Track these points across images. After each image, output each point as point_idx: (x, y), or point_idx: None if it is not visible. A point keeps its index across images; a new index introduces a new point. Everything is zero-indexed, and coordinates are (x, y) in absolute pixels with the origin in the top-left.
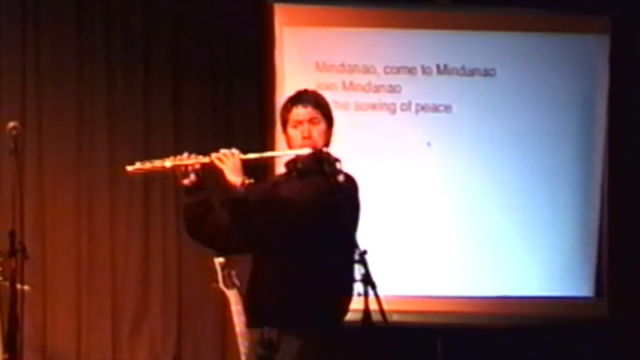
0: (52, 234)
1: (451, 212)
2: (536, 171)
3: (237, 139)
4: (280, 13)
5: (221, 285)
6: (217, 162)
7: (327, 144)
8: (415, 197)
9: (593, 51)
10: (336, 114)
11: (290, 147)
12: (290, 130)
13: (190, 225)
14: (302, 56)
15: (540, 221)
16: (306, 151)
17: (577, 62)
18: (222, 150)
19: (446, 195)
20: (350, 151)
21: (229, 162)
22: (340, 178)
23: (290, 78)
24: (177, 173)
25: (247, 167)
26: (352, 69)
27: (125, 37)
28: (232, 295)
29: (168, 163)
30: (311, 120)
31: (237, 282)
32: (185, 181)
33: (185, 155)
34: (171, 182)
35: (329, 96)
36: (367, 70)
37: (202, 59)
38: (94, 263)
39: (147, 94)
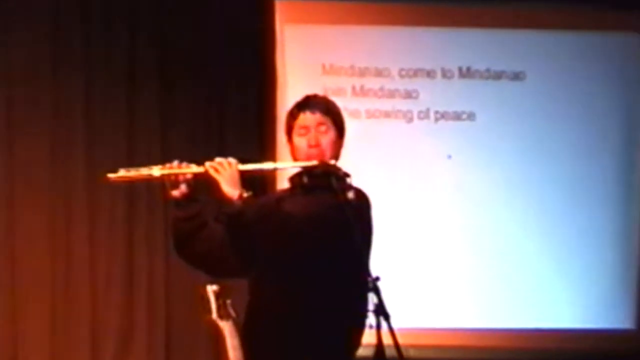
0: (23, 257)
1: (473, 233)
2: (569, 189)
3: (233, 149)
4: (281, 9)
5: (215, 316)
6: (212, 172)
7: (336, 156)
8: (433, 216)
9: (635, 51)
10: (345, 122)
11: (295, 158)
12: (296, 139)
13: (179, 243)
14: (306, 57)
15: (573, 246)
16: (312, 163)
17: (617, 64)
18: (218, 159)
19: (467, 214)
20: (361, 164)
21: (226, 173)
22: (350, 195)
23: (293, 82)
24: (166, 183)
25: (246, 180)
26: (363, 72)
27: (106, 29)
28: (227, 327)
29: (156, 171)
30: (319, 127)
31: (232, 312)
32: (175, 192)
33: (175, 163)
34: (159, 194)
35: (337, 103)
36: (379, 73)
37: (196, 59)
38: (70, 290)
39: (130, 98)
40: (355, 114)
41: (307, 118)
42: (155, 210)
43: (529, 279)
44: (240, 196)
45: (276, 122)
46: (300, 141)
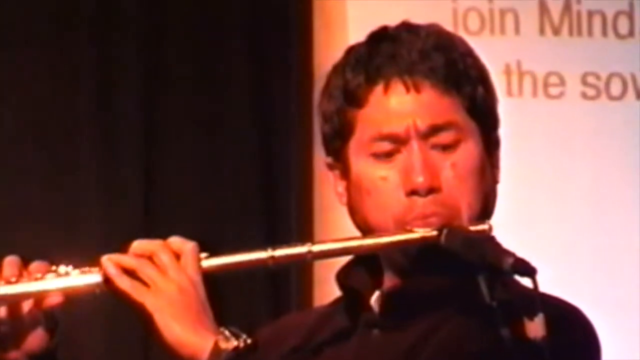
0: None
1: None
2: None
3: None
4: None
5: None
6: (121, 286)
7: (487, 205)
8: None
9: None
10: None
11: (360, 219)
12: (364, 165)
13: None
14: None
15: None
16: (416, 236)
17: None
18: (142, 245)
19: None
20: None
21: (169, 287)
22: (535, 326)
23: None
24: None
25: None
26: None
27: None
28: None
29: None
30: (435, 131)
31: None
32: (12, 354)
33: (7, 266)
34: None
35: (491, 59)
36: None
37: None
38: None
39: None
40: (540, 81)
41: (396, 104)
42: None
43: None
44: (217, 348)
45: (312, 115)
46: (378, 174)
